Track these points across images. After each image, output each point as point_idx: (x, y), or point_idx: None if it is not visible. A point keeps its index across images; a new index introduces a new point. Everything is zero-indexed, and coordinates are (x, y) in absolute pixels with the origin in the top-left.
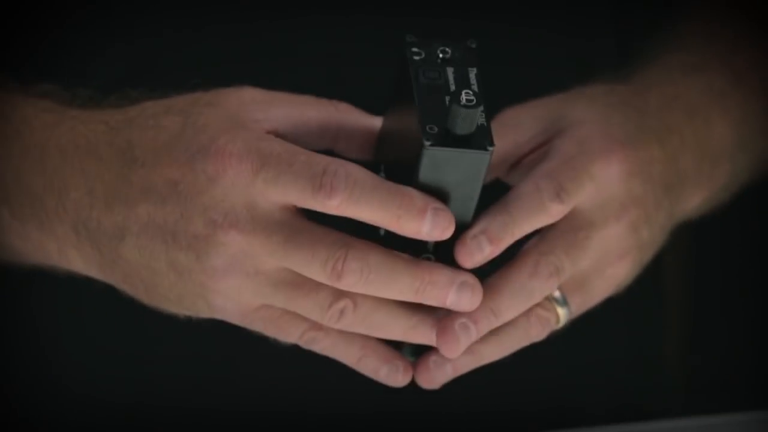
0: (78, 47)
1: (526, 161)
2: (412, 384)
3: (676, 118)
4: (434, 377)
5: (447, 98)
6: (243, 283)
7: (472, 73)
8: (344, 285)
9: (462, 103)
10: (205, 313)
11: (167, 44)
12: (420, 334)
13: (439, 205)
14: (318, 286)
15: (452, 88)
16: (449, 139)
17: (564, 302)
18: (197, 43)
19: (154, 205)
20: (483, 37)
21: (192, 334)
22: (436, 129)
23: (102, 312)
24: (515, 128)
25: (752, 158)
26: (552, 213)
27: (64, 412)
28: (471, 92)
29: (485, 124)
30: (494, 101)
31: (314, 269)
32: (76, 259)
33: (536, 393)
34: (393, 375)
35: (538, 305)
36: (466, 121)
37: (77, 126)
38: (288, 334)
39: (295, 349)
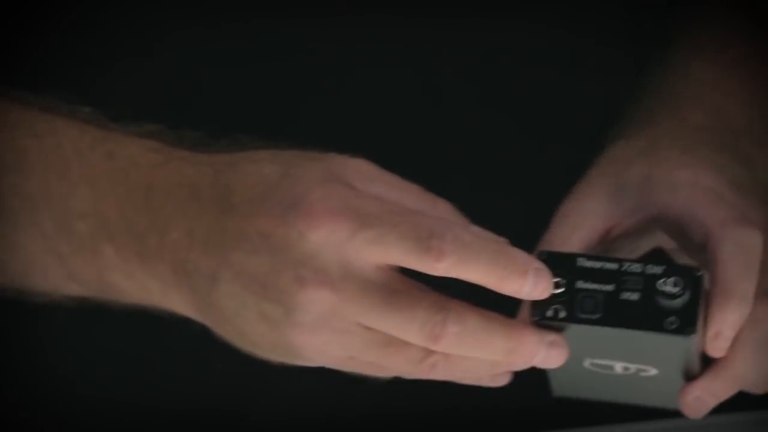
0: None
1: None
2: (412, 384)
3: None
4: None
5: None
6: (332, 339)
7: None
8: (439, 347)
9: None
10: (298, 362)
11: (168, 44)
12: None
13: (539, 265)
14: (407, 343)
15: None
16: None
17: None
18: (197, 43)
19: (247, 255)
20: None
21: (191, 334)
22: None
23: (102, 312)
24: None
25: None
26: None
27: (63, 412)
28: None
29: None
30: (502, 102)
31: (411, 332)
32: (175, 301)
33: (535, 393)
34: (496, 378)
35: None
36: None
37: (184, 167)
38: (386, 374)
39: None
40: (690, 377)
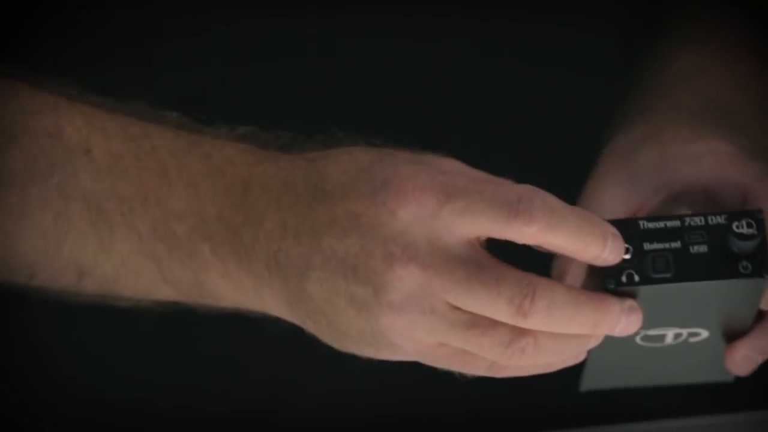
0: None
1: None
2: (413, 383)
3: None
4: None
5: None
6: (419, 320)
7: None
8: (528, 324)
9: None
10: (386, 351)
11: (167, 43)
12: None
13: (614, 230)
14: (494, 324)
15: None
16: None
17: None
18: (196, 43)
19: (337, 238)
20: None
21: (193, 333)
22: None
23: (102, 312)
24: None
25: None
26: None
27: (62, 413)
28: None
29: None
30: (499, 100)
31: (499, 307)
32: (268, 298)
33: (536, 393)
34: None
35: None
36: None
37: (280, 161)
38: (474, 368)
39: (295, 350)
40: (738, 335)
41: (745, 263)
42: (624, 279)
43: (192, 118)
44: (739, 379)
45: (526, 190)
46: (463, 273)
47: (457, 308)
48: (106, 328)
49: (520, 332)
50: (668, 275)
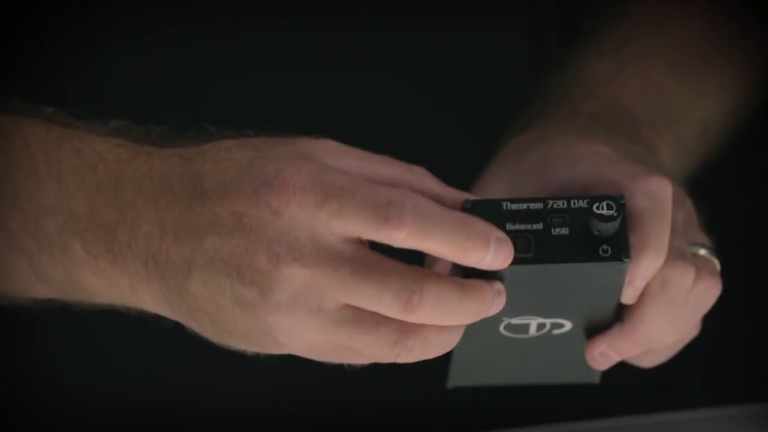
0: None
1: None
2: (413, 381)
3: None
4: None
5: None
6: (306, 319)
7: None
8: (416, 318)
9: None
10: (272, 349)
11: (165, 43)
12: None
13: (500, 233)
14: (380, 322)
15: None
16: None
17: (704, 246)
18: (194, 43)
19: (220, 239)
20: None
21: (188, 335)
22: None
23: (99, 313)
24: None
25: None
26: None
27: (60, 413)
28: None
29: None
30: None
31: (385, 303)
32: (146, 296)
33: (541, 386)
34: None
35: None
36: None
37: (152, 159)
38: (361, 360)
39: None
40: (597, 332)
41: (605, 247)
42: None
43: (67, 113)
44: (735, 372)
45: (398, 194)
46: (347, 270)
47: (344, 306)
48: (104, 329)
49: (406, 330)
50: (529, 255)
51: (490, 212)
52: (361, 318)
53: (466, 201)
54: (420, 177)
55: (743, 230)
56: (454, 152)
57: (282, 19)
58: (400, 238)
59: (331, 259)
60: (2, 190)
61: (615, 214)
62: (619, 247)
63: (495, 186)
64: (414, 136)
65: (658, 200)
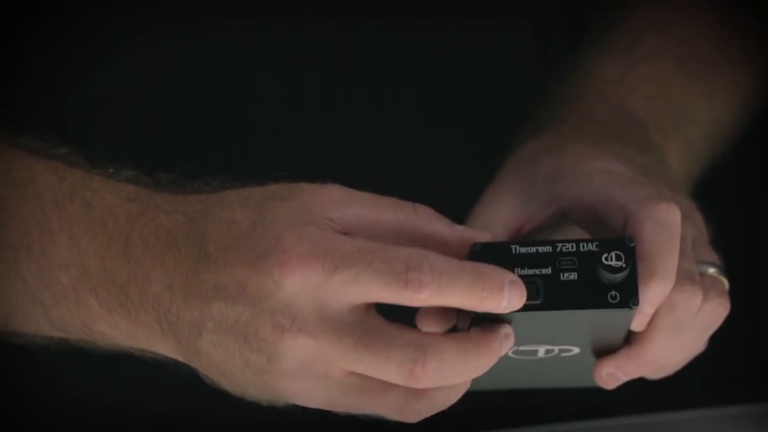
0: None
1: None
2: None
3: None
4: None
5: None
6: (313, 386)
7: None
8: (421, 385)
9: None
10: (285, 403)
11: (165, 42)
12: None
13: (513, 277)
14: (387, 388)
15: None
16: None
17: (713, 265)
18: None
19: (226, 305)
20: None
21: None
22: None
23: None
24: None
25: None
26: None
27: (58, 414)
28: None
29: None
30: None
31: (389, 372)
32: (162, 348)
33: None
34: None
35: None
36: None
37: (159, 216)
38: (374, 414)
39: None
40: (608, 352)
41: (613, 293)
42: None
43: (81, 153)
44: (735, 372)
45: (414, 255)
46: (351, 340)
47: (351, 374)
48: None
49: (413, 395)
50: (538, 302)
51: (499, 256)
52: (368, 385)
53: (475, 244)
54: (425, 220)
55: (743, 230)
56: (462, 156)
57: (290, 18)
58: (422, 299)
59: (335, 329)
60: (17, 243)
61: (623, 266)
62: (627, 294)
63: (504, 195)
64: (421, 140)
65: (667, 228)
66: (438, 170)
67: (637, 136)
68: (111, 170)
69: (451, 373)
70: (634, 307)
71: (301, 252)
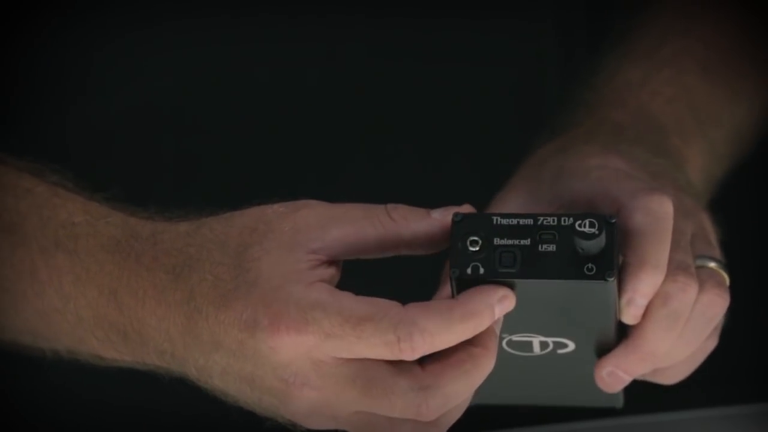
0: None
1: None
2: None
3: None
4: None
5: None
6: (326, 423)
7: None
8: (430, 419)
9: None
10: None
11: (163, 40)
12: None
13: (502, 292)
14: (393, 424)
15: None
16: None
17: (713, 259)
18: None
19: (227, 357)
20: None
21: None
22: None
23: None
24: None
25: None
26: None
27: (57, 415)
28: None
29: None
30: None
31: (396, 414)
32: (176, 372)
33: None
34: None
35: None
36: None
37: (142, 273)
38: None
39: None
40: (605, 353)
41: (590, 265)
42: (469, 271)
43: (69, 177)
44: (735, 372)
45: (403, 324)
46: (354, 392)
47: (358, 413)
48: None
49: (423, 425)
50: (513, 270)
51: (479, 226)
52: (376, 422)
53: (456, 214)
54: (403, 223)
55: (743, 230)
56: (481, 158)
57: (291, 17)
58: (417, 356)
59: (336, 382)
60: (11, 287)
61: (596, 232)
62: (603, 266)
63: (513, 196)
64: (441, 141)
65: (657, 218)
66: (461, 173)
67: (652, 140)
68: (98, 196)
69: (456, 400)
70: (609, 280)
71: (289, 324)
